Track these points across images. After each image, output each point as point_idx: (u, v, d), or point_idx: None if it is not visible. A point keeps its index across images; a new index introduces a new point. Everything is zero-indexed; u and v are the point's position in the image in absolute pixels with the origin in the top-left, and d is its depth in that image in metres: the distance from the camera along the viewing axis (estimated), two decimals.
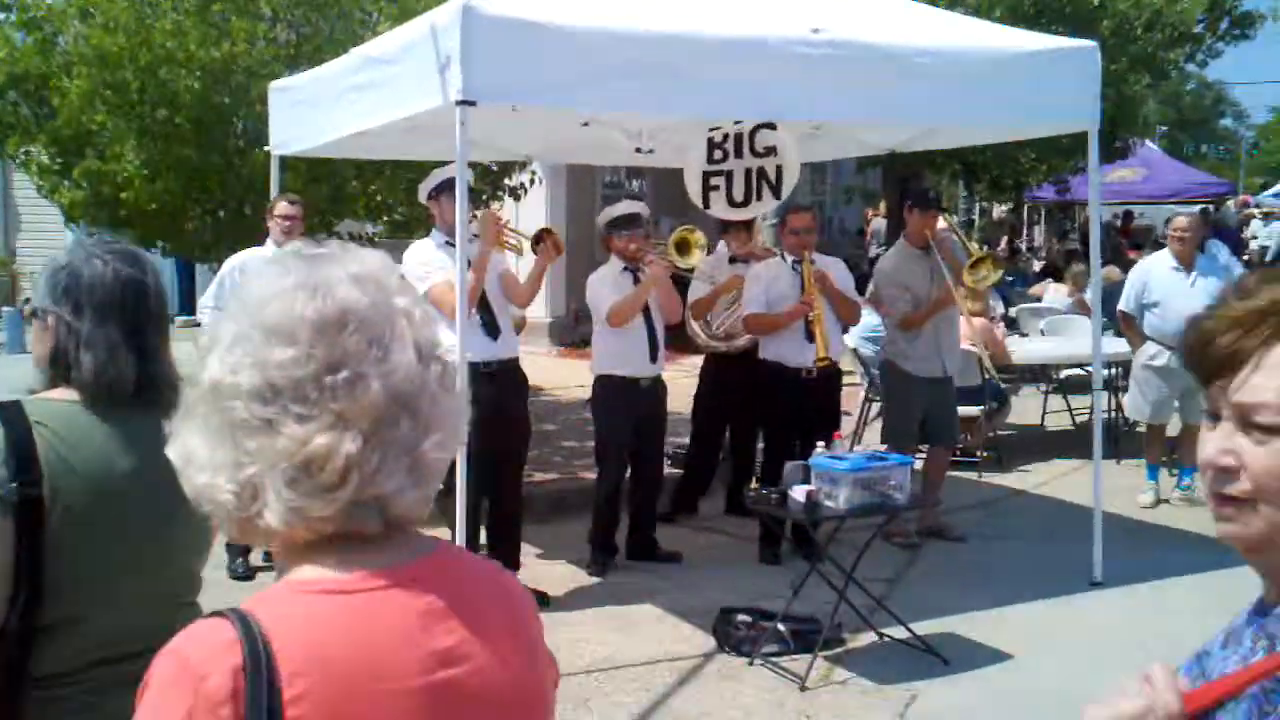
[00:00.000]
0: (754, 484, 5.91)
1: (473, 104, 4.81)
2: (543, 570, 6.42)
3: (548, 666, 1.43)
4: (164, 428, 1.31)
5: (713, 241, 7.65)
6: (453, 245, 5.48)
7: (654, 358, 6.54)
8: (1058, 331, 11.02)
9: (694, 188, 7.00)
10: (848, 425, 8.24)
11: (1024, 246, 24.02)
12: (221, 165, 8.02)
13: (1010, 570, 6.55)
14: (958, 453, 8.27)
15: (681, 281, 7.03)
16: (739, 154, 6.82)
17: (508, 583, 1.43)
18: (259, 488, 1.22)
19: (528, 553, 6.36)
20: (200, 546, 2.20)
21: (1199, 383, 1.26)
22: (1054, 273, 16.20)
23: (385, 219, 8.91)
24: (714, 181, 6.94)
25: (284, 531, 1.24)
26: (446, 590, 1.29)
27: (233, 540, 1.29)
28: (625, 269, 6.56)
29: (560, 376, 11.41)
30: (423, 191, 6.14)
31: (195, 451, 1.25)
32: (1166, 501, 8.00)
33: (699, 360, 7.91)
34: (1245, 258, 19.78)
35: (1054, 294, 13.36)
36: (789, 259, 6.82)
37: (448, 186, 5.68)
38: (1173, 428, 8.23)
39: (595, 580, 6.42)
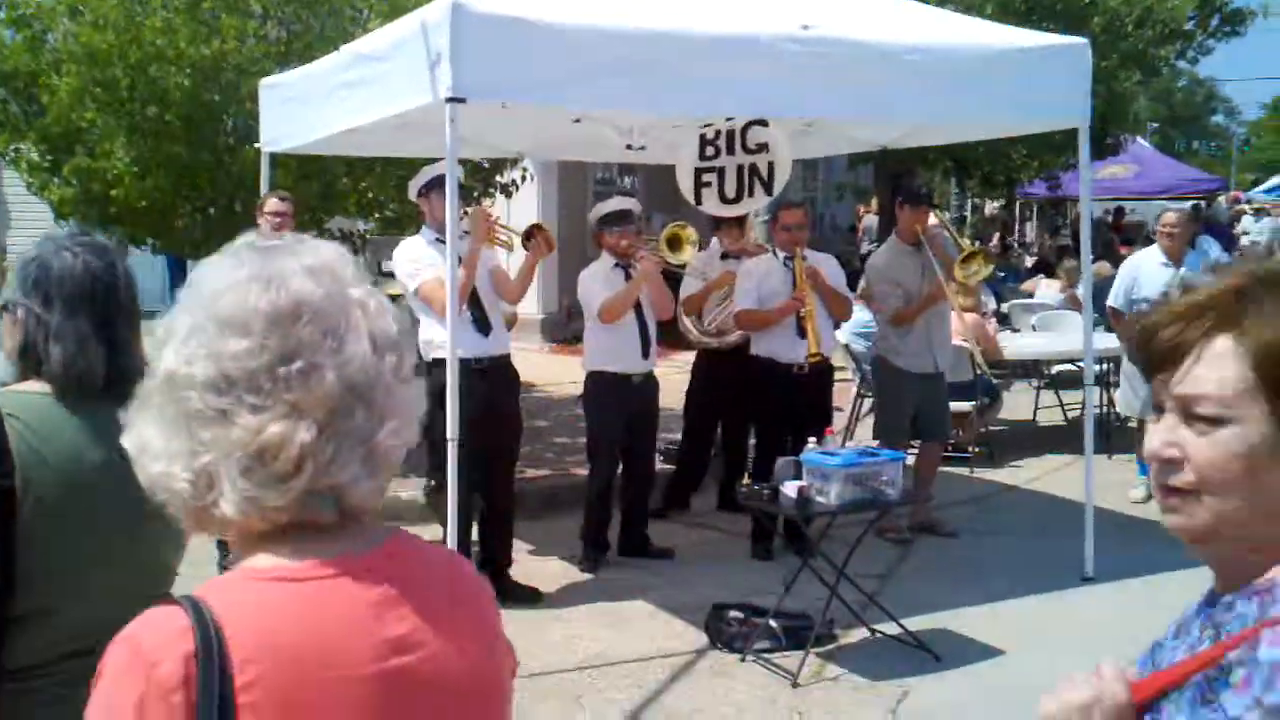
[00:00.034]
0: (746, 480, 5.91)
1: (463, 101, 4.80)
2: (535, 567, 6.42)
3: (505, 655, 1.43)
4: None
5: (705, 238, 7.65)
6: (443, 242, 5.46)
7: (646, 354, 6.55)
8: (1049, 327, 11.04)
9: (686, 184, 7.00)
10: (840, 421, 8.24)
11: (1016, 242, 24.05)
12: (212, 162, 8.00)
13: (1002, 566, 6.56)
14: (949, 448, 8.27)
15: (673, 278, 7.04)
16: (731, 150, 6.82)
17: (464, 572, 1.44)
18: (214, 477, 1.23)
19: (519, 549, 6.35)
20: (172, 540, 2.18)
21: (1145, 377, 1.28)
22: (1046, 268, 16.23)
23: (376, 216, 8.90)
24: (706, 178, 6.95)
25: (239, 521, 1.25)
26: (400, 578, 1.30)
27: (189, 530, 1.30)
28: (617, 265, 6.55)
29: (552, 373, 11.41)
30: (412, 189, 6.13)
31: (150, 441, 1.26)
32: None
33: (691, 356, 7.92)
34: (1237, 253, 19.82)
35: (1046, 290, 13.40)
36: (781, 255, 6.82)
37: (438, 184, 5.68)
38: None
39: (587, 576, 6.42)
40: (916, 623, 5.45)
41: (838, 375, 7.34)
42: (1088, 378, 6.87)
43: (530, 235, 6.20)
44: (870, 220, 18.30)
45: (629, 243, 6.52)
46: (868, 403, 8.73)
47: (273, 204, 6.42)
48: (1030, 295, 13.50)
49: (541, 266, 6.49)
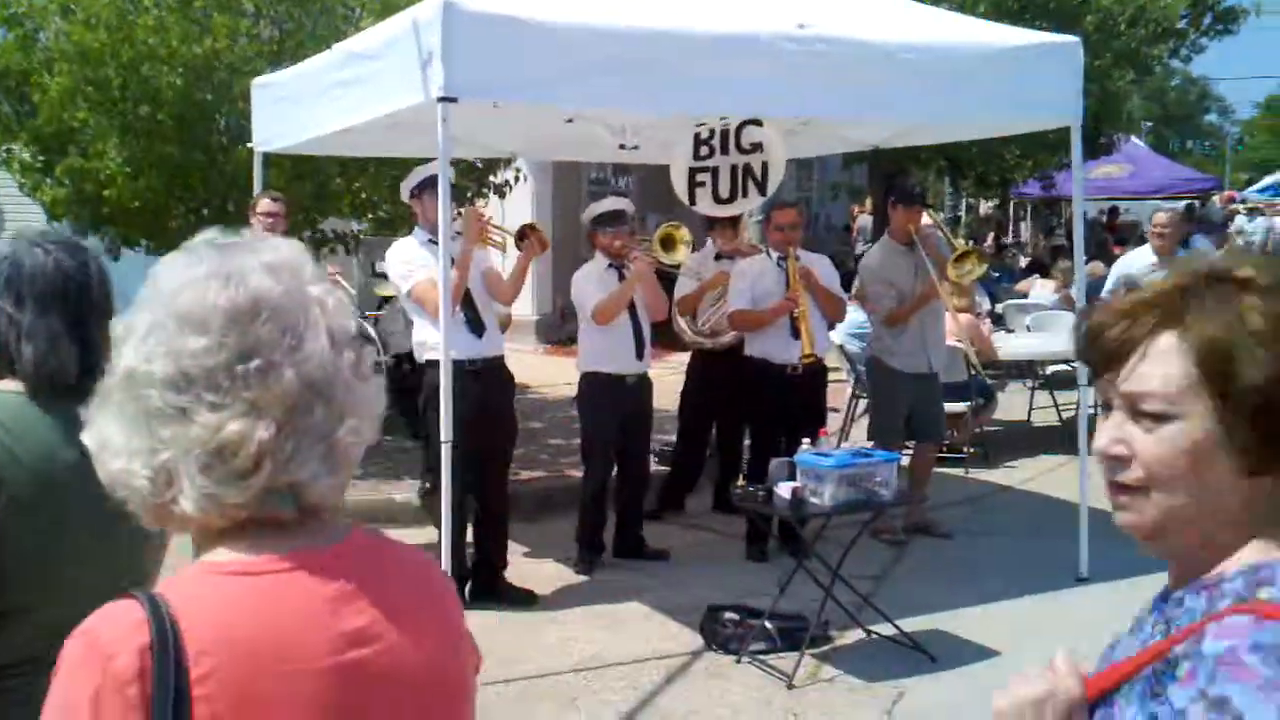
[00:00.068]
0: (740, 481, 5.90)
1: (454, 100, 4.79)
2: (530, 569, 6.40)
3: (469, 653, 1.44)
4: None
5: (698, 238, 7.63)
6: (435, 243, 5.45)
7: (640, 355, 6.53)
8: (1044, 327, 11.03)
9: (680, 184, 6.99)
10: (834, 422, 8.23)
11: (1010, 242, 24.08)
12: (204, 162, 7.98)
13: (997, 566, 6.55)
14: (944, 449, 8.27)
15: (667, 278, 7.02)
16: (725, 150, 6.81)
17: (427, 568, 1.45)
18: (173, 474, 1.24)
19: (514, 551, 6.34)
20: (153, 539, 2.17)
21: (1092, 376, 1.29)
22: (1040, 268, 16.24)
23: (370, 216, 8.87)
24: (700, 178, 6.94)
25: (199, 518, 1.26)
26: (358, 574, 1.31)
27: (149, 526, 1.30)
28: (610, 266, 6.54)
29: (546, 374, 11.39)
30: (405, 190, 6.11)
31: (111, 438, 1.27)
32: None
33: (685, 357, 7.90)
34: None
35: (1040, 290, 13.39)
36: (774, 255, 6.81)
37: (430, 184, 5.65)
38: None
39: (582, 578, 6.40)
40: (911, 624, 5.44)
41: (832, 376, 7.33)
42: (1082, 378, 6.86)
43: (524, 235, 6.18)
44: (864, 220, 18.27)
45: (623, 243, 6.50)
46: (862, 403, 8.72)
47: (265, 204, 6.41)
48: (1024, 295, 13.50)
49: (535, 267, 6.48)
